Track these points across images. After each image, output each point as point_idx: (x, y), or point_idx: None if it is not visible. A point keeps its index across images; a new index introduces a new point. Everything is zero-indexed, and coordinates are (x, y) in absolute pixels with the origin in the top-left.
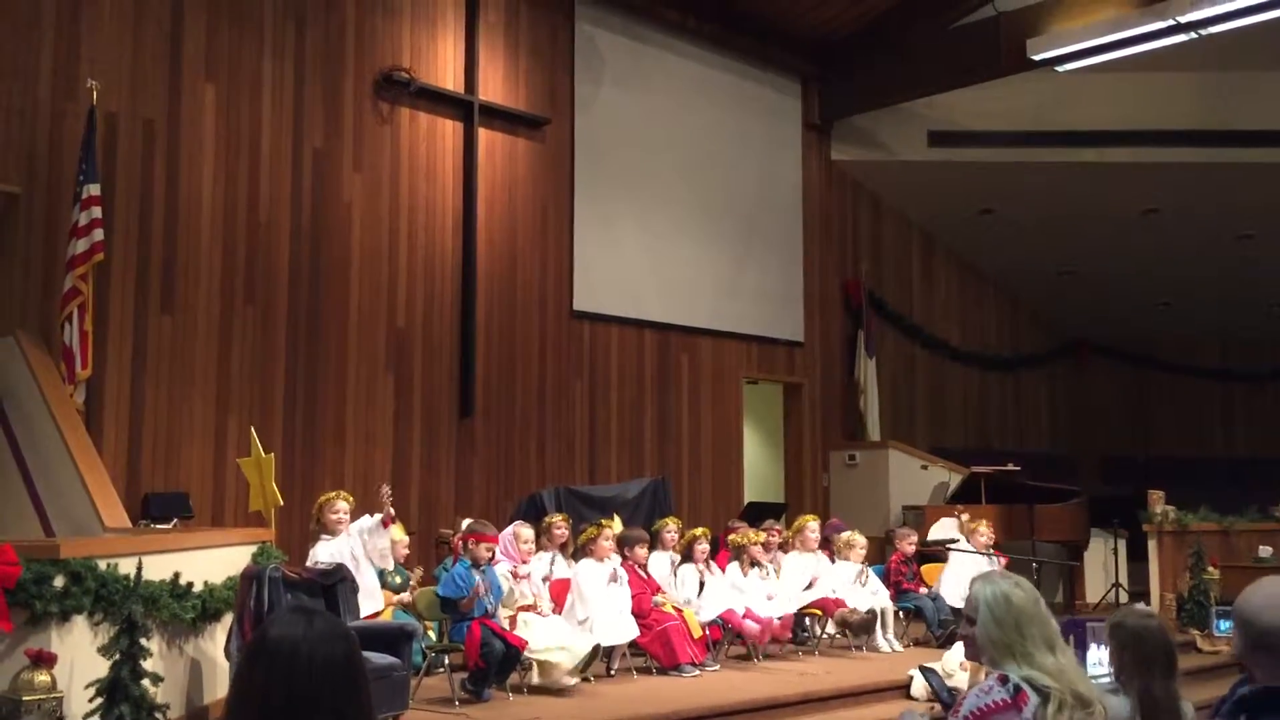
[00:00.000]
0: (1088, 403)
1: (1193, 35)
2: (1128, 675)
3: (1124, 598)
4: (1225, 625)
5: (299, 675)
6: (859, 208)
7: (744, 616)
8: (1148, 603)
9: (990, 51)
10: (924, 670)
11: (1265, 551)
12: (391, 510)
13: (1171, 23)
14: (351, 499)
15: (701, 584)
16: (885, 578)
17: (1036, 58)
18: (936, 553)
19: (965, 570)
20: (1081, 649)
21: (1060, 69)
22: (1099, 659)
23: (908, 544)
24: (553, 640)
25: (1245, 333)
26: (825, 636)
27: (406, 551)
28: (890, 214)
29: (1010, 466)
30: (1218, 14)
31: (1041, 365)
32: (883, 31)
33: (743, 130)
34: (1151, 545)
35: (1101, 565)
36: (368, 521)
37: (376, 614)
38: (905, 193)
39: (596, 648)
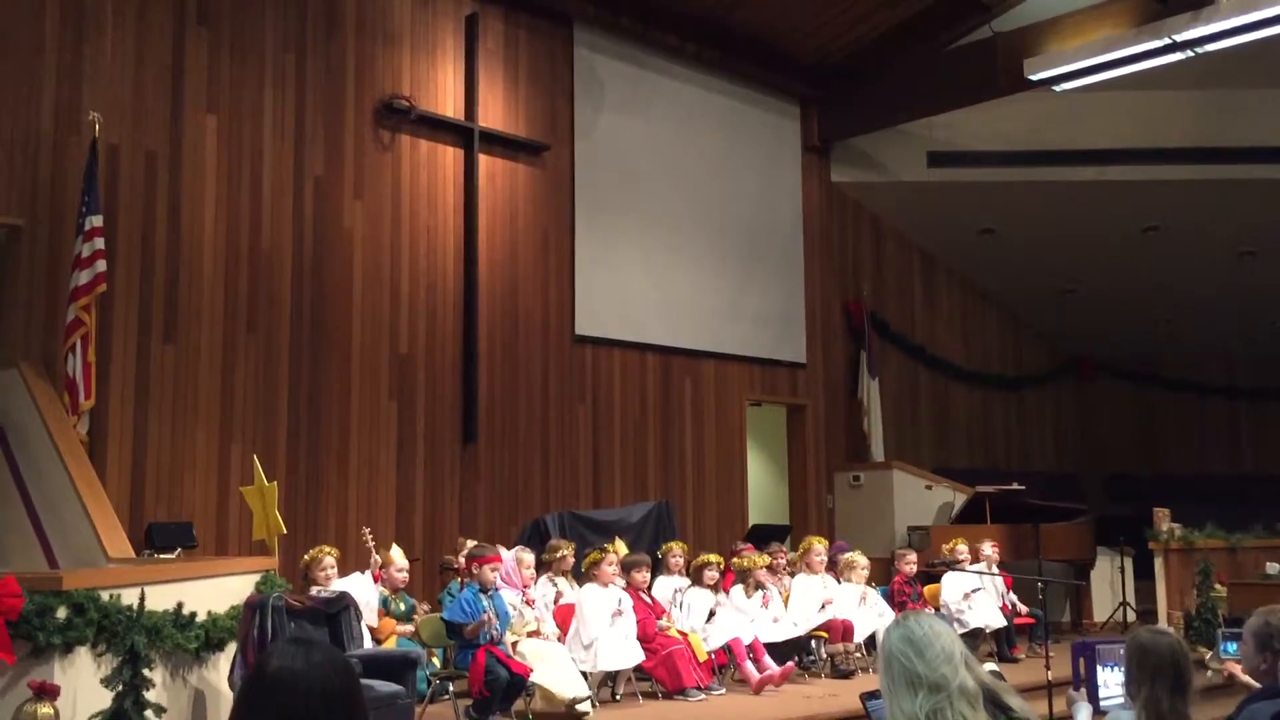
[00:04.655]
0: (1092, 421)
1: (1189, 54)
2: (1135, 686)
3: (1131, 616)
4: (1232, 647)
5: (298, 708)
6: (860, 229)
7: (749, 647)
8: (1155, 621)
9: (988, 72)
10: (865, 697)
11: (1273, 568)
12: (378, 559)
13: (1168, 41)
14: (336, 551)
15: (712, 612)
16: (889, 598)
17: (1034, 77)
18: (940, 573)
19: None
20: (1092, 672)
21: (1058, 88)
22: (1104, 680)
23: (907, 564)
24: (556, 672)
25: (1250, 349)
26: (827, 658)
27: (406, 577)
28: (891, 235)
29: (1015, 486)
30: (1214, 32)
31: (1045, 384)
32: (881, 54)
33: (742, 153)
34: (1158, 563)
35: (1108, 584)
36: (358, 580)
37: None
38: (906, 213)
39: (600, 679)
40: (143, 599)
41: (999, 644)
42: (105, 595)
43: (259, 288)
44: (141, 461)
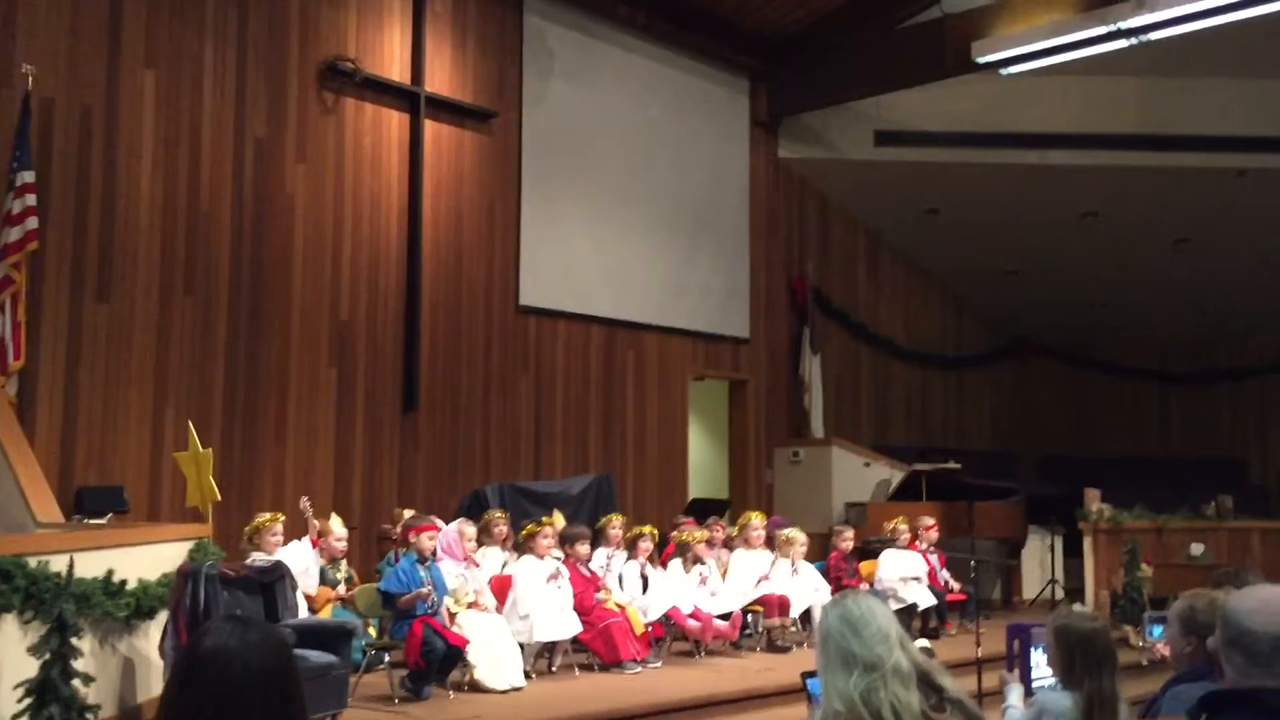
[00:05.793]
0: (1028, 402)
1: (1134, 41)
2: (1078, 676)
3: (1060, 594)
4: (1158, 631)
5: (232, 688)
6: (806, 205)
7: (689, 615)
8: (1083, 600)
9: (936, 53)
10: (805, 676)
11: (1197, 549)
12: (315, 524)
13: (1114, 28)
14: (283, 516)
15: (645, 580)
16: (826, 574)
17: (981, 60)
18: (876, 549)
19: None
20: (1026, 654)
21: (1004, 71)
22: (1037, 662)
23: (843, 541)
24: (490, 657)
25: (1182, 335)
26: (764, 632)
27: (345, 546)
28: (837, 212)
29: (951, 464)
30: (1159, 20)
31: (984, 365)
32: (831, 30)
33: (691, 126)
34: (1087, 543)
35: (1039, 562)
36: (297, 548)
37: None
38: (852, 191)
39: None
40: (71, 565)
41: (926, 620)
42: (33, 561)
43: (197, 249)
44: (72, 424)
